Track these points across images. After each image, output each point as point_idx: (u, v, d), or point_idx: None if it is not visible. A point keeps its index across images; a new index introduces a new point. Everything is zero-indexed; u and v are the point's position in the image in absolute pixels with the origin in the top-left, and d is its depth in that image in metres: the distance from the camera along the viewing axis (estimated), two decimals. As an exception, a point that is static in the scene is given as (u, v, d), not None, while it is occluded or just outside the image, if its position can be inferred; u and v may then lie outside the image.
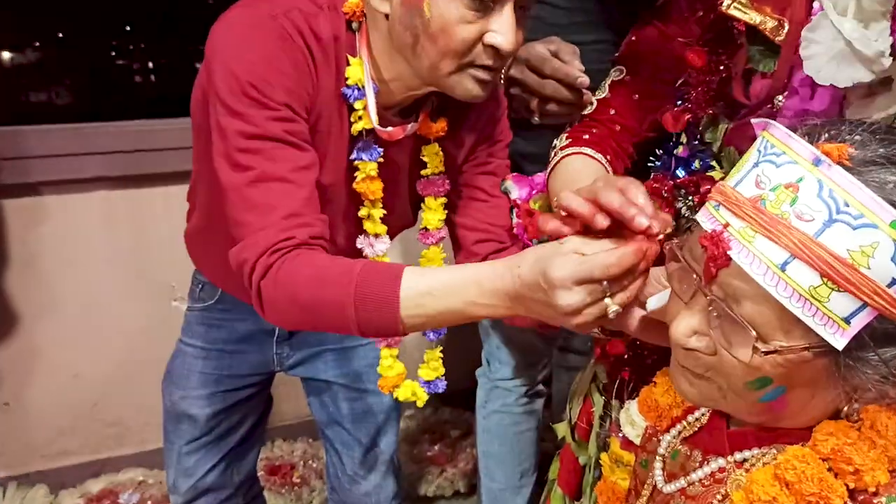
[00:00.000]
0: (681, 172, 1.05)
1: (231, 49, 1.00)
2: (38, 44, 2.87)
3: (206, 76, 1.05)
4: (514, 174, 1.22)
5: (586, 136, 1.15)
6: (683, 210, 1.07)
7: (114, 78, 2.99)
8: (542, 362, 1.81)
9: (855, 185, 0.63)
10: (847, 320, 0.65)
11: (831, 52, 0.73)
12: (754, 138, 0.96)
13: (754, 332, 0.67)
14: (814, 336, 0.66)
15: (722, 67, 0.98)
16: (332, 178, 1.12)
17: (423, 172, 1.19)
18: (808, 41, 0.76)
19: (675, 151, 1.07)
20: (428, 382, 1.26)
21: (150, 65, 2.99)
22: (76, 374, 2.31)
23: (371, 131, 1.10)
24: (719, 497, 0.78)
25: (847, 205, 0.63)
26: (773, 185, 0.67)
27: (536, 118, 1.18)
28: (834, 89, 0.81)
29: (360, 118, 1.09)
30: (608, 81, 1.16)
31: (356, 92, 1.06)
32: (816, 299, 0.64)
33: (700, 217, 0.73)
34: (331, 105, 1.08)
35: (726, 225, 0.69)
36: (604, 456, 1.05)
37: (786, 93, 0.90)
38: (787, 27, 0.85)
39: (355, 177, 1.13)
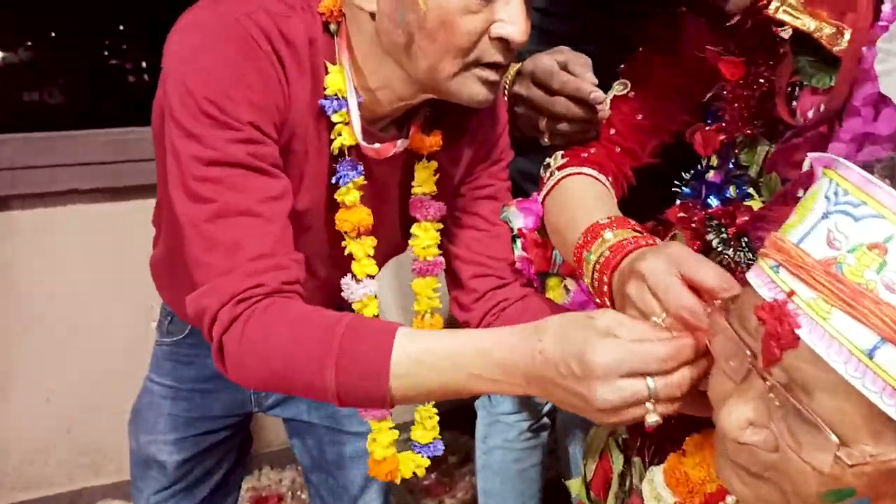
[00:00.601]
0: (713, 201, 0.90)
1: (185, 58, 0.85)
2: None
3: (162, 91, 0.90)
4: (517, 199, 1.07)
5: (585, 155, 1.01)
6: (716, 243, 0.92)
7: (96, 83, 2.86)
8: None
9: (967, 249, 0.48)
10: (954, 420, 0.50)
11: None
12: (800, 164, 0.81)
13: (835, 438, 0.52)
14: None
15: (762, 80, 0.83)
16: (309, 202, 0.98)
17: (414, 191, 1.04)
18: (885, 53, 0.61)
19: (706, 176, 0.91)
20: (424, 446, 1.11)
21: (131, 68, 2.86)
22: (49, 397, 2.18)
23: (354, 148, 0.95)
24: None
25: (956, 276, 0.48)
26: (851, 246, 0.52)
27: (546, 139, 1.03)
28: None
29: (340, 133, 0.93)
30: (609, 97, 1.03)
31: (336, 103, 0.91)
32: (916, 395, 0.50)
33: (753, 279, 0.59)
34: (306, 120, 0.92)
35: (791, 293, 0.54)
36: (623, 531, 0.90)
37: (843, 112, 0.75)
38: (847, 35, 0.70)
39: (336, 200, 0.98)
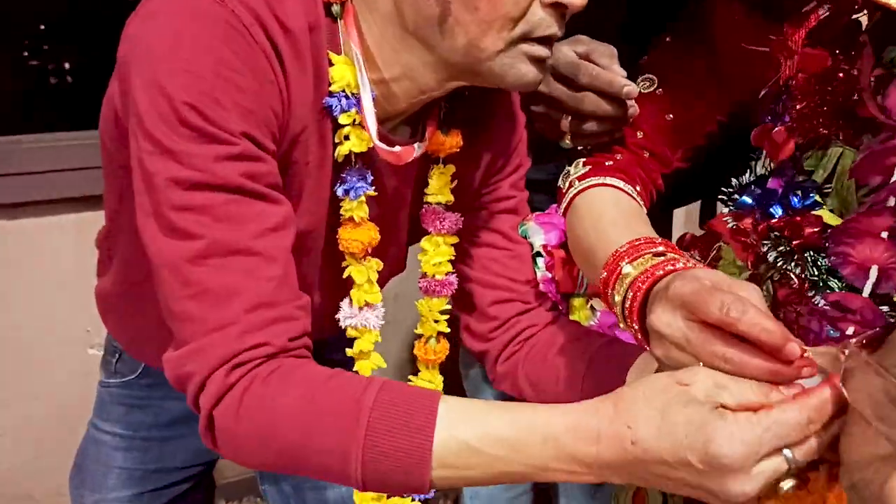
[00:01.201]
0: (777, 211, 0.79)
1: (156, 53, 0.67)
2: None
3: (121, 92, 0.72)
4: (535, 213, 0.94)
5: (610, 163, 0.89)
6: (773, 257, 0.81)
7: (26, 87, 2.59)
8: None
9: None
10: None
11: None
12: (891, 169, 0.71)
13: None
14: None
15: (841, 75, 0.72)
16: (310, 222, 0.81)
17: (428, 200, 0.89)
18: None
19: (764, 183, 0.81)
20: None
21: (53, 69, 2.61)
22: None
23: (361, 155, 0.79)
24: None
25: None
26: None
27: (568, 140, 0.90)
28: None
29: (346, 137, 0.78)
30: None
31: (344, 101, 0.75)
32: None
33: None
34: (308, 124, 0.76)
35: None
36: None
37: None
38: None
39: (340, 217, 0.82)
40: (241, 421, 0.66)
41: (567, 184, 0.90)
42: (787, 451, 0.53)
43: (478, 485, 0.65)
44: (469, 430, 0.62)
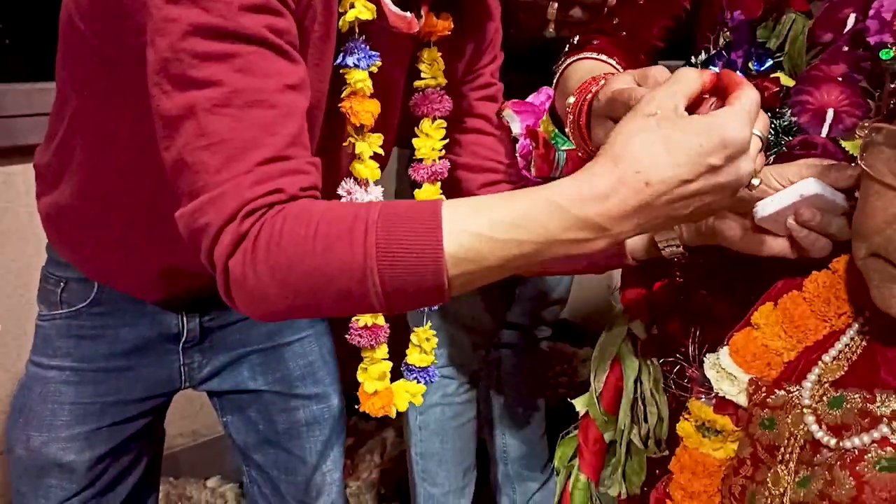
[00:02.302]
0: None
1: None
2: None
3: None
4: (512, 101, 0.99)
5: (594, 44, 0.97)
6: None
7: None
8: (489, 341, 1.59)
9: None
10: None
11: None
12: (844, 23, 0.83)
13: None
14: None
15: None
16: (312, 96, 0.80)
17: (417, 84, 0.91)
18: None
19: (726, 53, 0.90)
20: (422, 370, 0.98)
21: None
22: None
23: (367, 24, 0.79)
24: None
25: None
26: None
27: (552, 29, 0.96)
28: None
29: (352, 5, 0.77)
30: None
31: None
32: None
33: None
34: None
35: None
36: (685, 426, 0.86)
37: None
38: None
39: (342, 90, 0.82)
40: (257, 264, 0.65)
41: (559, 66, 0.97)
42: (755, 130, 0.64)
43: (495, 277, 0.67)
44: (475, 222, 0.64)
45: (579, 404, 1.07)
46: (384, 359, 0.92)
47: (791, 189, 0.76)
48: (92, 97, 0.88)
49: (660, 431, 0.96)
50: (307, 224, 0.65)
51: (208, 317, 1.10)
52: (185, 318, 1.09)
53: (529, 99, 1.02)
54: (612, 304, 1.05)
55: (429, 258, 0.63)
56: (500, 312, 1.56)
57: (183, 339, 1.10)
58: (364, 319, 0.89)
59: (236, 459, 1.28)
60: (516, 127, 0.98)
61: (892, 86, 0.72)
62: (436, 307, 0.92)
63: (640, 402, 1.03)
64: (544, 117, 0.97)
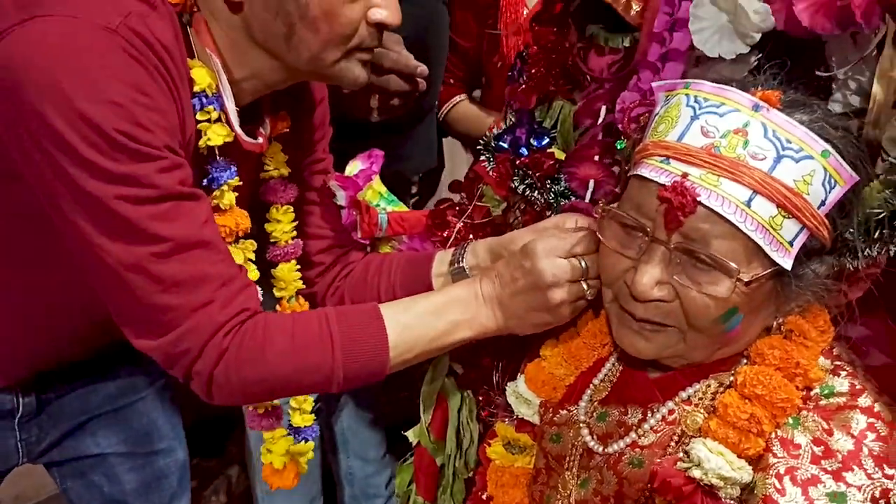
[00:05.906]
0: (524, 151, 1.07)
1: (68, 85, 0.74)
2: None
3: (16, 114, 0.77)
4: (336, 174, 1.13)
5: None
6: (521, 189, 1.10)
7: None
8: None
9: (791, 123, 0.72)
10: (791, 243, 0.74)
11: (715, 27, 0.82)
12: (598, 113, 1.04)
13: (735, 266, 0.72)
14: (768, 262, 0.74)
15: (559, 46, 1.03)
16: None
17: (263, 176, 1.02)
18: (694, 18, 0.84)
19: (514, 132, 1.09)
20: (307, 429, 1.10)
21: None
22: None
23: (226, 146, 0.90)
24: (676, 437, 0.82)
25: (789, 142, 0.72)
26: (722, 133, 0.73)
27: (376, 115, 1.11)
28: (682, 64, 0.91)
29: (208, 132, 0.88)
30: None
31: (205, 100, 0.87)
32: (774, 228, 0.72)
33: (648, 173, 0.76)
34: (191, 126, 0.87)
35: (685, 175, 0.73)
36: (496, 448, 1.02)
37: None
38: (635, 6, 0.93)
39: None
40: (242, 370, 0.84)
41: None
42: (578, 261, 0.87)
43: (422, 359, 0.94)
44: (404, 318, 0.90)
45: (412, 435, 1.21)
46: (283, 436, 1.09)
47: None
48: None
49: (471, 454, 1.12)
50: (284, 335, 0.86)
51: (46, 392, 1.11)
52: (20, 395, 1.09)
53: (358, 160, 1.16)
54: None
55: (378, 353, 0.88)
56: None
57: (18, 415, 1.10)
58: (262, 407, 1.07)
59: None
60: (341, 198, 1.11)
61: (626, 167, 0.92)
62: None
63: (461, 430, 1.19)
64: (372, 181, 1.12)
